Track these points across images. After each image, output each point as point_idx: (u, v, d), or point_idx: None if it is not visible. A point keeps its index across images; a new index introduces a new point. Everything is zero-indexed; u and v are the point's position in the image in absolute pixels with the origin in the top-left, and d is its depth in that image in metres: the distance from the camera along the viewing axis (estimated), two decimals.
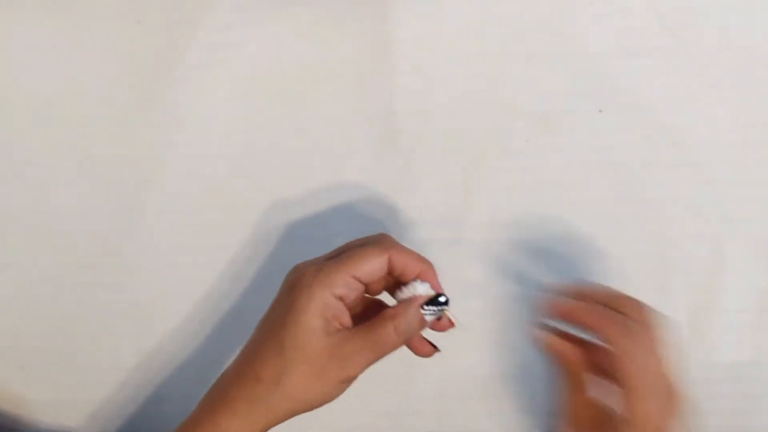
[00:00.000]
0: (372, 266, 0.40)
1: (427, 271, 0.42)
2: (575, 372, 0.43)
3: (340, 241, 0.44)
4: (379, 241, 0.41)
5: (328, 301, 0.39)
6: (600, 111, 0.54)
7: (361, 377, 0.54)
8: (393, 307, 0.42)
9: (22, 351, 0.55)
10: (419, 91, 0.55)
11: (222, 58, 0.55)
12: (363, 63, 0.55)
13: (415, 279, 0.42)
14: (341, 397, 0.55)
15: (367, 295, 0.44)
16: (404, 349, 0.55)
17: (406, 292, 0.42)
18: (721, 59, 0.54)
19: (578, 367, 0.43)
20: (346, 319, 0.40)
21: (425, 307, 0.41)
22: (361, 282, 0.40)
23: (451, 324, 0.43)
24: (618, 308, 0.41)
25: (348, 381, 0.40)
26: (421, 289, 0.42)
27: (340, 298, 0.40)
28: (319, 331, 0.39)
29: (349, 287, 0.40)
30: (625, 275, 0.54)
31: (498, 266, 0.55)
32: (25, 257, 0.55)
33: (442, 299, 0.42)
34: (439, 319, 0.43)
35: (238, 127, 0.55)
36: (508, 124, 0.54)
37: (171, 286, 0.55)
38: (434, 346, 0.44)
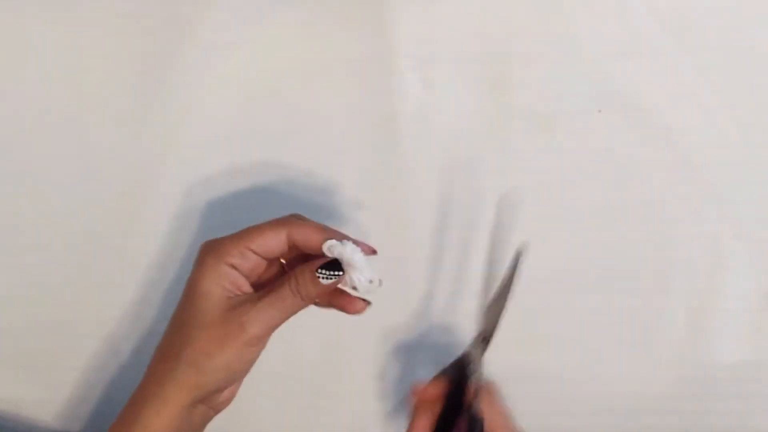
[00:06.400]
0: (265, 239, 0.41)
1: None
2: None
3: None
4: (281, 219, 0.42)
5: (221, 270, 0.40)
6: (599, 111, 0.54)
7: (362, 379, 0.54)
8: (293, 269, 0.42)
9: (22, 351, 0.55)
10: (419, 91, 0.55)
11: (222, 58, 0.55)
12: (363, 63, 0.55)
13: (344, 240, 0.41)
14: (341, 397, 0.55)
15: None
16: (405, 349, 0.55)
17: (332, 248, 0.41)
18: (721, 59, 0.54)
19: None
20: (246, 287, 0.41)
21: (321, 271, 0.40)
22: (256, 254, 0.41)
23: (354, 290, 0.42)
24: None
25: (253, 343, 0.40)
26: (347, 251, 0.41)
27: (234, 267, 0.40)
28: (214, 297, 0.40)
29: (242, 257, 0.41)
30: (626, 275, 0.54)
31: (497, 266, 0.55)
32: (25, 257, 0.55)
33: (338, 263, 0.41)
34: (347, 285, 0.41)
35: (237, 127, 0.55)
36: (508, 124, 0.55)
37: (171, 285, 0.55)
38: (365, 301, 0.43)
